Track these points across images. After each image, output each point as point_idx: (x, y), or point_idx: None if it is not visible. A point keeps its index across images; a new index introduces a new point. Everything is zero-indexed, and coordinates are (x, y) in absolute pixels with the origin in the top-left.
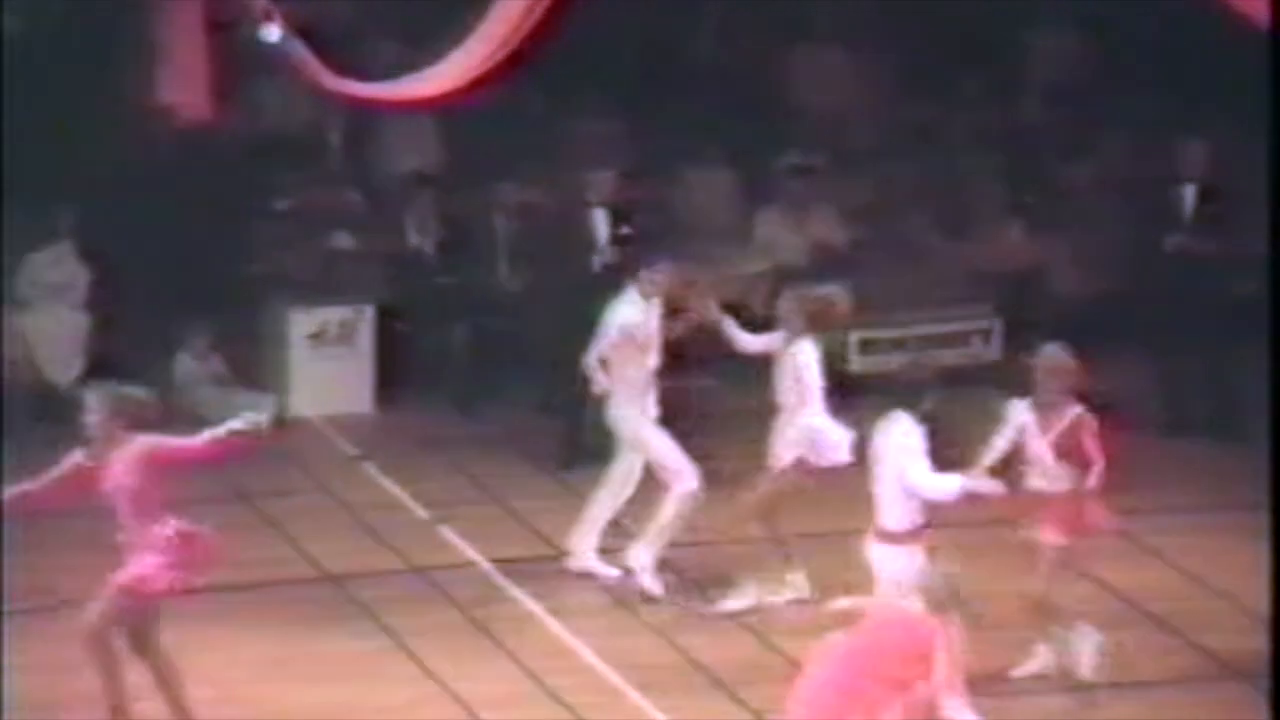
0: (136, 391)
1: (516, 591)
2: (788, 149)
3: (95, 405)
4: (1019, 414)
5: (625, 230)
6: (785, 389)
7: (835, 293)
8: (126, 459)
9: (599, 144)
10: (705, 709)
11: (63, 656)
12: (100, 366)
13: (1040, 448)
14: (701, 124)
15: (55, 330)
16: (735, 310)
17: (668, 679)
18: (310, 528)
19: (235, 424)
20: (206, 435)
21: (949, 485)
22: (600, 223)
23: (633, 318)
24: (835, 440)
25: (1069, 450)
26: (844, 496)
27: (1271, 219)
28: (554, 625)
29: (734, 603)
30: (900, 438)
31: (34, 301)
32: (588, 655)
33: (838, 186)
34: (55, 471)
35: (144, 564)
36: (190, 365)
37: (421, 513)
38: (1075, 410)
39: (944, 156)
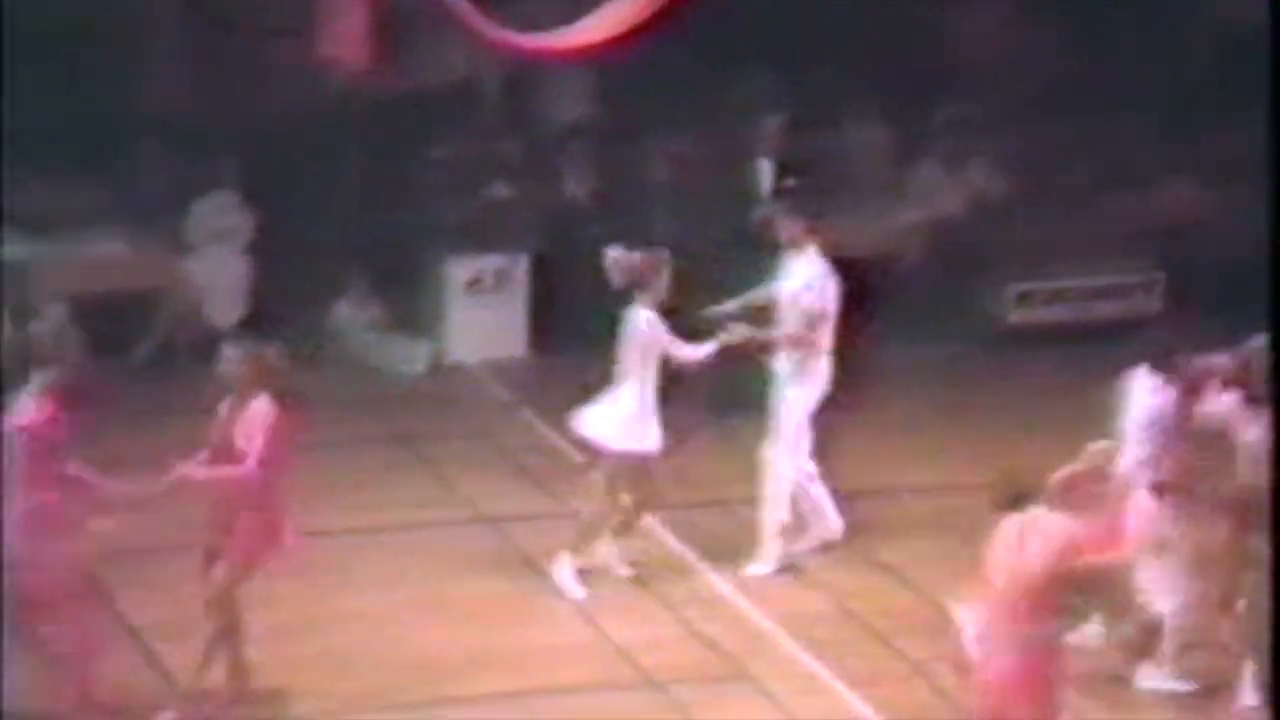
0: (270, 349)
1: (668, 537)
2: (945, 101)
3: (229, 357)
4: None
5: (790, 182)
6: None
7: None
8: (252, 417)
9: (755, 96)
10: (861, 658)
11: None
12: (261, 311)
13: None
14: (858, 77)
15: (219, 275)
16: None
17: (821, 628)
18: (466, 470)
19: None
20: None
21: None
22: (765, 173)
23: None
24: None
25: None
26: None
27: (1271, 217)
28: (706, 571)
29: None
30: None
31: (200, 247)
32: (740, 601)
33: (996, 138)
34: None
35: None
36: (348, 311)
37: (576, 457)
38: None
39: (1105, 109)
